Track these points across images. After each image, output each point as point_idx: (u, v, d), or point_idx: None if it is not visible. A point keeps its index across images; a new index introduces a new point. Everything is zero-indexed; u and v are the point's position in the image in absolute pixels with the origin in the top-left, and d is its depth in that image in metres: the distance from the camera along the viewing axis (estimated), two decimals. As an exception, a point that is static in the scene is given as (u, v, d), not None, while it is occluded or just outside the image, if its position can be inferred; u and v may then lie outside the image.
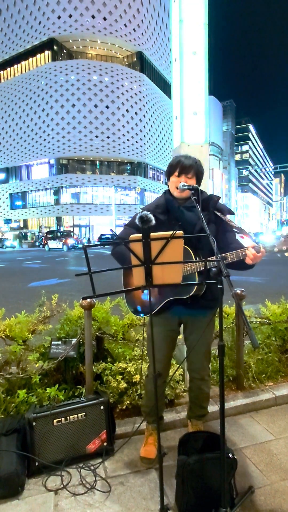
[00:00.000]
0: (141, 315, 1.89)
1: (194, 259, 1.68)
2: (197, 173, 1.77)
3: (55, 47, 46.28)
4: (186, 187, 1.69)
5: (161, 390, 1.98)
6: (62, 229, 42.85)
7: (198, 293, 1.73)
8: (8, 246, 37.05)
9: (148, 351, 1.98)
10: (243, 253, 1.60)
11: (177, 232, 1.29)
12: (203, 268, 1.59)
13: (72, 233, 33.14)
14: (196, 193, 1.63)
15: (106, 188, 46.09)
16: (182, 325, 1.94)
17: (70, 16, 44.63)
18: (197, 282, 1.70)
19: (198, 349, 1.88)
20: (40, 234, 42.21)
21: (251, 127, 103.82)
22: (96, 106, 45.76)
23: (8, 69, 51.16)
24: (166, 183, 1.90)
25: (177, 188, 1.74)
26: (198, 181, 1.79)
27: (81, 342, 2.31)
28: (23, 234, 44.45)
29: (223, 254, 1.63)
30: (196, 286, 1.70)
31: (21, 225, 51.74)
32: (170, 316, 1.84)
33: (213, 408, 2.32)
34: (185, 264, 1.68)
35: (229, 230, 1.78)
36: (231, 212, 1.83)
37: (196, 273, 1.71)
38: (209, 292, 1.77)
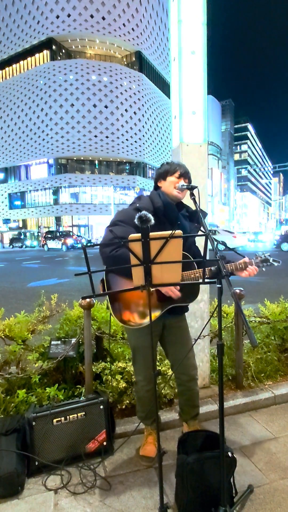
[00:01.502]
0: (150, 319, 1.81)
1: (194, 265, 1.71)
2: (190, 182, 1.84)
3: (53, 47, 46.19)
4: (185, 186, 1.71)
5: (153, 392, 1.98)
6: (61, 229, 42.81)
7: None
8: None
9: (137, 358, 1.89)
10: (240, 266, 1.68)
11: (176, 231, 1.30)
12: (208, 274, 1.56)
13: (71, 233, 33.08)
14: (194, 194, 1.66)
15: (105, 188, 46.07)
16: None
17: (69, 15, 44.55)
18: (196, 281, 1.70)
19: (180, 349, 1.89)
20: (39, 234, 42.21)
21: (250, 126, 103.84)
22: (95, 105, 45.69)
23: (7, 68, 51.06)
24: (155, 184, 1.87)
25: (176, 188, 1.75)
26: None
27: (80, 342, 2.32)
28: (22, 233, 44.42)
29: (228, 263, 1.68)
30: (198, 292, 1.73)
31: (20, 225, 51.67)
32: (157, 322, 1.83)
33: (212, 407, 2.33)
34: (189, 272, 1.67)
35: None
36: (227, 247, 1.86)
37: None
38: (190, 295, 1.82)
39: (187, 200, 1.80)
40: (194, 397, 1.99)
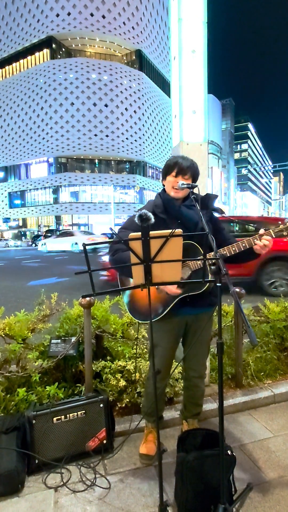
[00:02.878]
0: (151, 318, 1.81)
1: (203, 254, 1.69)
2: (194, 174, 1.79)
3: (53, 45, 46.14)
4: (185, 185, 1.71)
5: (162, 391, 1.98)
6: (61, 227, 42.69)
7: (207, 289, 1.72)
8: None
9: (154, 352, 1.88)
10: (255, 240, 1.62)
11: (176, 230, 1.30)
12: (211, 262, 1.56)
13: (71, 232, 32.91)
14: (194, 192, 1.66)
15: (105, 186, 46.05)
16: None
17: (69, 14, 44.47)
18: (196, 280, 1.70)
19: (199, 347, 1.89)
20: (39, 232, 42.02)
21: (250, 125, 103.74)
22: (95, 104, 45.66)
23: (7, 67, 51.01)
24: (162, 183, 1.90)
25: (175, 188, 1.75)
26: (194, 183, 1.81)
27: (80, 341, 2.32)
28: (22, 233, 44.35)
29: (239, 242, 1.66)
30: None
31: (20, 224, 51.67)
32: (178, 319, 1.80)
33: (212, 405, 2.33)
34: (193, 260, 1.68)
35: (222, 227, 1.86)
36: (222, 212, 1.86)
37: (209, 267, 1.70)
38: (215, 288, 1.79)
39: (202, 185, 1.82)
40: (198, 395, 2.00)
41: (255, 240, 1.63)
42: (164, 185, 1.86)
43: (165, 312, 1.72)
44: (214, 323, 2.74)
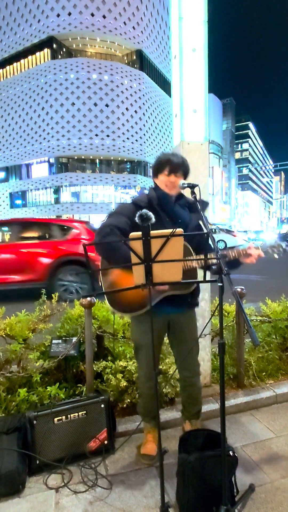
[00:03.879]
0: (130, 312, 1.77)
1: (193, 255, 1.70)
2: (185, 172, 1.80)
3: (54, 46, 46.11)
4: (186, 185, 1.70)
5: (155, 390, 1.97)
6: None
7: (191, 291, 1.76)
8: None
9: (139, 355, 1.90)
10: (244, 252, 1.68)
11: (177, 230, 1.29)
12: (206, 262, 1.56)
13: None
14: (195, 192, 1.65)
15: (106, 186, 46.04)
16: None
17: (69, 14, 44.45)
18: (197, 280, 1.70)
19: (187, 345, 1.88)
20: None
21: (251, 125, 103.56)
22: (95, 104, 45.63)
23: (8, 67, 51.00)
24: (153, 180, 1.87)
25: (167, 187, 1.76)
26: (185, 180, 1.82)
27: (81, 341, 2.31)
28: None
29: (226, 251, 1.69)
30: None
31: (21, 224, 51.71)
32: (160, 318, 1.81)
33: (213, 406, 2.32)
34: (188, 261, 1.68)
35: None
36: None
37: (197, 269, 1.71)
38: (197, 290, 1.83)
39: (202, 185, 1.82)
40: (196, 393, 1.99)
41: (244, 251, 1.69)
42: (155, 183, 1.85)
43: (146, 309, 1.70)
44: (215, 323, 2.73)
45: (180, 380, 2.01)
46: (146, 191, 1.90)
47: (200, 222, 1.73)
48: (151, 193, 1.81)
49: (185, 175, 1.81)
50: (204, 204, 1.80)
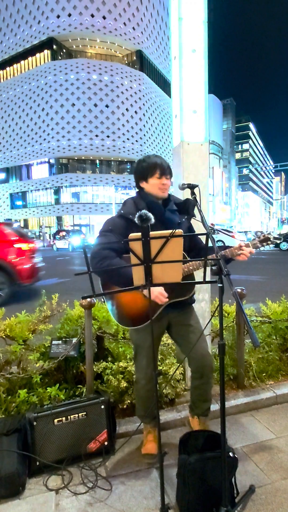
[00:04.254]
0: (139, 325, 1.75)
1: (204, 255, 1.70)
2: (171, 173, 1.83)
3: (54, 47, 46.21)
4: (186, 185, 1.71)
5: (153, 392, 1.96)
6: (70, 228, 42.37)
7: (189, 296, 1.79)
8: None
9: (138, 357, 1.89)
10: (236, 252, 1.70)
11: (177, 230, 1.29)
12: (203, 267, 1.57)
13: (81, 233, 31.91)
14: (194, 193, 1.67)
15: (106, 187, 46.08)
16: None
17: (70, 15, 44.54)
18: (197, 281, 1.70)
19: (195, 337, 1.83)
20: (45, 233, 41.87)
21: (251, 125, 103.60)
22: (95, 105, 45.70)
23: (8, 68, 51.11)
24: (137, 185, 1.84)
25: (160, 190, 1.77)
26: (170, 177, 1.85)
27: (81, 342, 2.31)
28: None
29: (223, 251, 1.70)
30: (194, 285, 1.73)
31: (22, 225, 51.76)
32: (161, 320, 1.81)
33: (214, 407, 2.31)
34: (184, 265, 1.68)
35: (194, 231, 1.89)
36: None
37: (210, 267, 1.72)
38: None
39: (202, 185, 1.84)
40: (209, 390, 1.93)
41: (237, 251, 1.70)
42: (141, 187, 1.82)
43: (153, 317, 1.69)
44: (215, 324, 2.72)
45: (195, 378, 1.91)
46: (130, 198, 1.84)
47: (194, 222, 1.75)
48: (138, 201, 1.78)
49: (171, 176, 1.84)
50: (192, 203, 1.79)
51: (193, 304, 1.92)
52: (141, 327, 1.74)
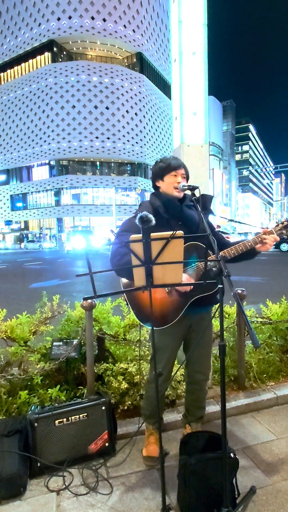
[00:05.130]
0: (164, 325, 1.73)
1: (204, 255, 1.69)
2: (187, 174, 1.83)
3: (55, 49, 46.37)
4: (187, 187, 1.71)
5: (163, 393, 1.97)
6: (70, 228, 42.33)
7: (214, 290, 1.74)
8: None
9: (156, 357, 1.84)
10: (259, 239, 1.69)
11: (177, 232, 1.29)
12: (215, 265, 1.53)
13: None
14: (194, 194, 1.67)
15: (107, 189, 46.13)
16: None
17: (70, 17, 44.72)
18: (197, 282, 1.70)
19: (204, 349, 1.88)
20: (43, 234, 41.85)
21: (251, 127, 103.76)
22: (96, 107, 45.82)
23: (8, 71, 51.29)
24: (154, 185, 1.86)
25: (176, 188, 1.75)
26: (187, 181, 1.85)
27: (82, 343, 2.32)
28: (24, 235, 44.38)
29: (244, 241, 1.70)
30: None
31: (22, 226, 51.81)
32: (184, 320, 1.78)
33: (214, 408, 2.32)
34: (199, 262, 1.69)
35: (214, 228, 1.86)
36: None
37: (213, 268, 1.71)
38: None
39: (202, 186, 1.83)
40: (202, 397, 1.99)
41: (259, 238, 1.68)
42: (157, 187, 1.84)
43: (180, 316, 1.70)
44: (216, 325, 2.73)
45: (190, 383, 1.98)
46: (147, 199, 1.87)
47: (210, 218, 1.75)
48: (153, 201, 1.79)
49: (188, 177, 1.84)
50: (209, 198, 1.81)
51: None
52: (165, 327, 1.72)
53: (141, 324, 1.82)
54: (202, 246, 1.69)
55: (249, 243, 1.69)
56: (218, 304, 1.37)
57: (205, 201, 1.80)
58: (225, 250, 1.69)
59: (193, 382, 1.96)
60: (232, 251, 1.69)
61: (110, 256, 1.67)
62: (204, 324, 1.85)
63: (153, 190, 1.90)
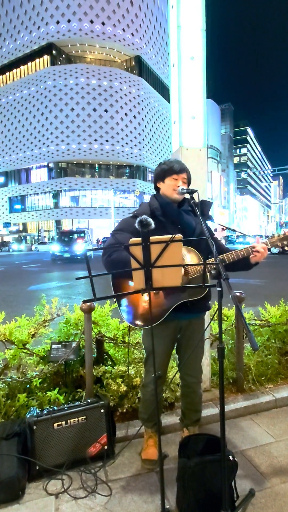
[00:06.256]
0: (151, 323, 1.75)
1: (202, 261, 1.70)
2: (189, 178, 1.84)
3: (54, 52, 46.57)
4: (185, 190, 1.72)
5: (159, 395, 1.97)
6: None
7: (206, 295, 1.76)
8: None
9: (149, 361, 1.89)
10: (252, 249, 1.68)
11: (176, 235, 1.30)
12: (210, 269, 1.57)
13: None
14: (193, 197, 1.68)
15: (105, 191, 46.23)
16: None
17: (69, 21, 44.95)
18: (196, 285, 1.71)
19: (195, 352, 1.89)
20: (40, 236, 41.69)
21: (249, 130, 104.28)
22: (94, 110, 45.97)
23: (8, 73, 51.43)
24: (155, 187, 1.88)
25: (175, 190, 1.77)
26: (188, 186, 1.85)
27: (81, 346, 2.32)
28: (22, 237, 44.31)
29: (235, 251, 1.70)
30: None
31: (20, 228, 51.77)
32: (173, 324, 1.80)
33: (213, 410, 2.32)
34: (193, 266, 1.69)
35: (213, 234, 1.86)
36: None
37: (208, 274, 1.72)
38: (208, 293, 1.81)
39: (201, 189, 1.82)
40: (197, 400, 2.00)
41: (252, 249, 1.68)
42: (158, 188, 1.86)
43: (164, 317, 1.71)
44: (214, 328, 2.73)
45: (183, 386, 2.00)
46: (147, 201, 1.89)
47: (208, 223, 1.76)
48: (153, 202, 1.81)
49: (189, 181, 1.85)
50: (208, 204, 1.81)
51: None
52: (159, 329, 1.73)
53: (127, 322, 1.80)
54: (195, 251, 1.71)
55: (242, 252, 1.70)
56: (217, 307, 1.38)
57: (204, 207, 1.81)
58: (224, 254, 1.70)
59: (186, 385, 1.98)
60: (232, 256, 1.70)
61: (102, 253, 1.69)
62: (193, 328, 1.87)
63: (152, 192, 1.91)
